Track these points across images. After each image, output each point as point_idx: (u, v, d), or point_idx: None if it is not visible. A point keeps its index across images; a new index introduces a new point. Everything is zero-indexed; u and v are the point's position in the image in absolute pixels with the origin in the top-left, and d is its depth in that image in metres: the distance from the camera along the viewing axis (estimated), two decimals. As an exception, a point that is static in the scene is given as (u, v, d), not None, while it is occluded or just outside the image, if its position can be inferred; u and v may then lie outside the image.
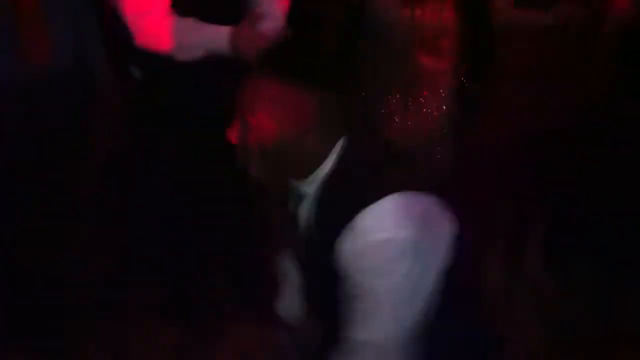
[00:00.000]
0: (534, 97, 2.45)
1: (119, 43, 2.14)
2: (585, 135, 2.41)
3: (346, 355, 1.35)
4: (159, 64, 2.08)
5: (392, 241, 1.23)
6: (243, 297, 2.42)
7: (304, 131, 1.28)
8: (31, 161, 2.08)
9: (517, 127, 2.50)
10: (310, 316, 1.61)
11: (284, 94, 1.27)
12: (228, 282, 2.48)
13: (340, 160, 1.31)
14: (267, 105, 1.27)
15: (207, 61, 2.05)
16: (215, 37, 2.03)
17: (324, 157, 1.32)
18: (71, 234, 2.32)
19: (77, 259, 2.38)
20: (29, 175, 2.10)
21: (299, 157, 1.31)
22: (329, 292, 1.37)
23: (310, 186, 1.35)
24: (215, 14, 2.06)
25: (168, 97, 2.14)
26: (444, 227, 1.31)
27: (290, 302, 1.67)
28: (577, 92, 2.45)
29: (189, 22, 2.04)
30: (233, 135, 1.32)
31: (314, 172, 1.33)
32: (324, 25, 2.37)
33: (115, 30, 2.12)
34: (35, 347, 2.22)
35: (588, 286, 2.40)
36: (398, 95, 2.37)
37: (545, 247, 2.54)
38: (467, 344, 1.41)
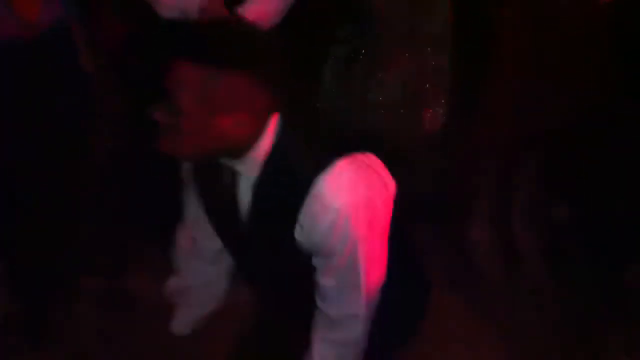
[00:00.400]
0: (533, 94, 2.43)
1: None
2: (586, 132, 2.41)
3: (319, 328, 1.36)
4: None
5: (351, 204, 1.20)
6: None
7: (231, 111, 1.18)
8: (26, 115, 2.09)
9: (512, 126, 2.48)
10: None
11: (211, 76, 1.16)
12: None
13: (278, 138, 1.24)
14: (191, 87, 1.16)
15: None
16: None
17: (257, 136, 1.23)
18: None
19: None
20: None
21: (228, 137, 1.20)
22: (274, 274, 1.37)
23: (246, 166, 1.27)
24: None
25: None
26: (390, 185, 1.31)
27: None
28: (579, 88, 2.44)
29: None
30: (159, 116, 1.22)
31: (248, 152, 1.24)
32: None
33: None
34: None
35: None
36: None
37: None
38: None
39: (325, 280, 1.30)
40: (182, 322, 1.65)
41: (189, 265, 1.58)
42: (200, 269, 1.58)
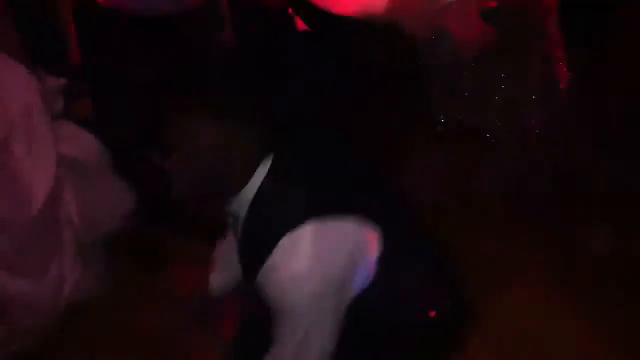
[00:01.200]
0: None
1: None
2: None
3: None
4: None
5: (304, 276, 1.23)
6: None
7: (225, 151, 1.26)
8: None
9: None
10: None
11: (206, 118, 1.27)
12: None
13: (265, 181, 1.29)
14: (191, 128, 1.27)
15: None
16: None
17: (249, 176, 1.30)
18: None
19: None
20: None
21: (224, 176, 1.30)
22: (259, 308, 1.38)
23: (240, 206, 1.34)
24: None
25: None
26: (364, 253, 1.30)
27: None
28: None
29: None
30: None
31: (242, 192, 1.31)
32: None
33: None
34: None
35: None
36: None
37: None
38: None
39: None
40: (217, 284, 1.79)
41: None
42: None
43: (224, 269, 1.77)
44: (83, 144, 2.19)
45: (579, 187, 2.70)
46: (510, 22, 2.40)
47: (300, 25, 2.49)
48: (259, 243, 1.29)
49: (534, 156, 2.63)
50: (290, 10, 2.49)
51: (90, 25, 2.32)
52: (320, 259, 1.24)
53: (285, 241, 1.24)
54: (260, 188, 1.30)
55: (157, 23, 2.29)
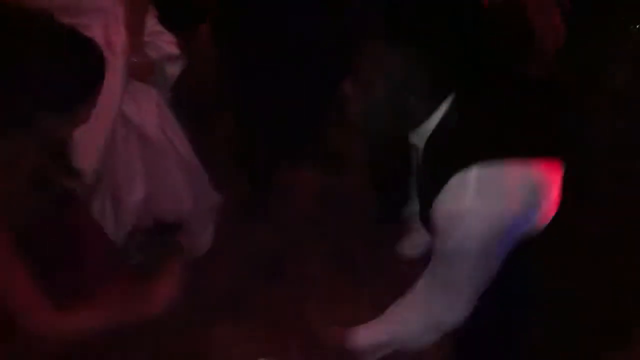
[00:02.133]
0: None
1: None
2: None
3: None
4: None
5: (468, 212, 1.23)
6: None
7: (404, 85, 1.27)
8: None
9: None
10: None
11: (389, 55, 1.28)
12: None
13: (444, 117, 1.30)
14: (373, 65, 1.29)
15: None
16: None
17: (432, 110, 1.30)
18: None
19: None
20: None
21: (405, 109, 1.30)
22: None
23: (418, 138, 1.35)
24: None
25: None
26: (530, 202, 1.27)
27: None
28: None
29: None
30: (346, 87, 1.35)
31: (423, 125, 1.32)
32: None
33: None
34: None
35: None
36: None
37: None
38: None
39: None
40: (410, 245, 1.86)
41: None
42: None
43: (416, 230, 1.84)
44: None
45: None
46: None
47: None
48: (432, 179, 1.31)
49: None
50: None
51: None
52: (485, 201, 1.24)
53: (454, 180, 1.25)
54: (439, 124, 1.31)
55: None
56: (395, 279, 2.02)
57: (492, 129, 1.29)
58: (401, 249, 1.98)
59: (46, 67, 1.21)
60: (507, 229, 1.26)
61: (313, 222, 2.64)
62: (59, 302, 1.32)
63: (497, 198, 1.23)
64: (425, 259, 1.41)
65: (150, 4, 2.01)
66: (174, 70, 2.11)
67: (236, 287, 2.34)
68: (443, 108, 1.31)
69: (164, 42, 2.04)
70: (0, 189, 1.26)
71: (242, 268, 2.44)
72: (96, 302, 1.38)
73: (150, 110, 2.04)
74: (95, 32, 1.75)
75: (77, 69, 1.25)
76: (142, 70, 1.96)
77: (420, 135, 1.35)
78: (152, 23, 1.99)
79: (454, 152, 1.28)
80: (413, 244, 1.93)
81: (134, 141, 2.05)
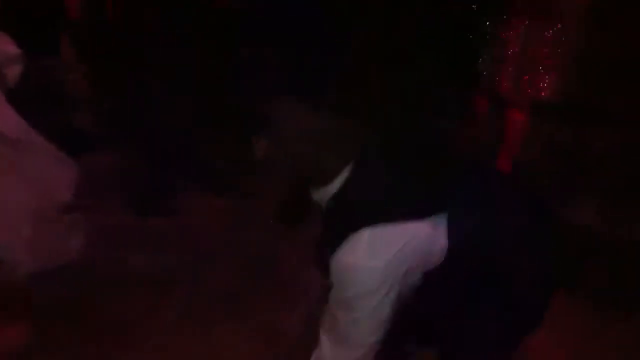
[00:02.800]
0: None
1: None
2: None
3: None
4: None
5: (359, 269, 1.37)
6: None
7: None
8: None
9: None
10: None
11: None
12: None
13: (344, 183, 1.43)
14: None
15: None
16: None
17: (335, 175, 1.43)
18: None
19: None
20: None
21: (313, 170, 1.45)
22: None
23: (320, 196, 1.48)
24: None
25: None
26: (428, 259, 1.42)
27: None
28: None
29: None
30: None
31: (326, 186, 1.45)
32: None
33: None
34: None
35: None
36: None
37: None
38: None
39: None
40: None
41: None
42: None
43: None
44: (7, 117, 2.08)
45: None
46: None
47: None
48: (332, 236, 1.43)
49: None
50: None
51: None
52: (374, 257, 1.38)
53: (350, 239, 1.38)
54: (340, 189, 1.44)
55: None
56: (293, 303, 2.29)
57: (382, 197, 1.43)
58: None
59: None
60: (394, 279, 1.40)
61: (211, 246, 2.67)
62: None
63: (384, 254, 1.38)
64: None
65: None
66: (14, 70, 2.08)
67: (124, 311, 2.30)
68: (344, 175, 1.43)
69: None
70: None
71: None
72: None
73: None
74: None
75: None
76: None
77: (322, 195, 1.48)
78: None
79: (350, 216, 1.41)
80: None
81: None
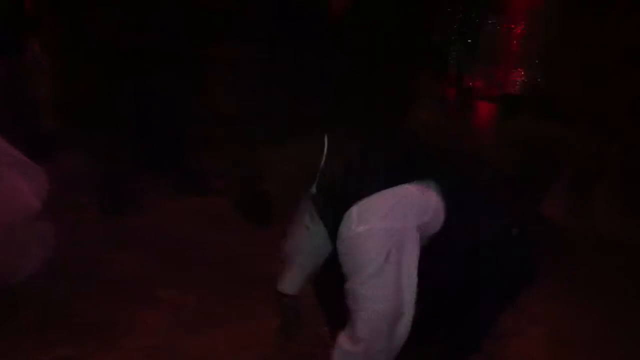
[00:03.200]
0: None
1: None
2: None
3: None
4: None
5: (352, 238, 1.40)
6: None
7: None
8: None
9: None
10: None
11: None
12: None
13: (325, 160, 1.47)
14: None
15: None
16: None
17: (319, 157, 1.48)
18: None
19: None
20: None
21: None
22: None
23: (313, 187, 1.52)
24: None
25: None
26: (426, 210, 1.45)
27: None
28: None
29: None
30: None
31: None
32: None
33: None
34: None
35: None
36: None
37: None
38: None
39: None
40: (290, 282, 1.87)
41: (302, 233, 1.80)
42: (311, 239, 1.78)
43: (296, 267, 1.86)
44: None
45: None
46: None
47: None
48: (330, 217, 1.50)
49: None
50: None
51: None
52: (366, 223, 1.40)
53: (345, 216, 1.43)
54: (322, 168, 1.49)
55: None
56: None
57: (359, 173, 1.48)
58: (281, 287, 1.93)
59: None
60: (393, 241, 1.42)
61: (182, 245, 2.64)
62: None
63: (374, 219, 1.41)
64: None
65: None
66: None
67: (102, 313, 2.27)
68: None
69: None
70: None
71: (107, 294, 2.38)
72: None
73: None
74: None
75: None
76: None
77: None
78: None
79: (337, 201, 1.46)
80: (292, 280, 1.92)
81: None
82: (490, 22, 2.55)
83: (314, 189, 1.55)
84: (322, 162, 1.49)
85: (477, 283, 1.63)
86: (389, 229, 1.41)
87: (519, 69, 2.56)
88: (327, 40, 2.45)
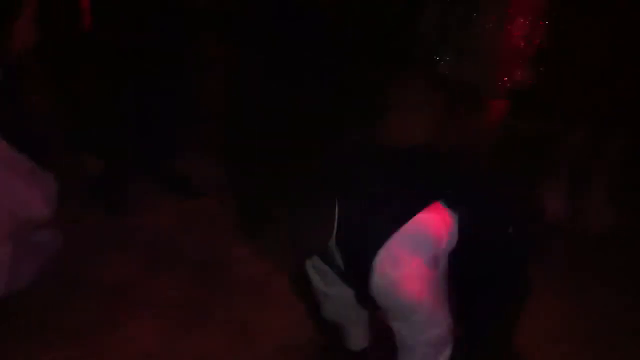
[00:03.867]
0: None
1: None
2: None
3: None
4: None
5: (405, 275, 1.43)
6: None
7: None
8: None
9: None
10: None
11: None
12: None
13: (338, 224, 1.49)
14: None
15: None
16: None
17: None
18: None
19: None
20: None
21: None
22: None
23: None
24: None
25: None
26: (444, 233, 1.50)
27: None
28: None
29: None
30: None
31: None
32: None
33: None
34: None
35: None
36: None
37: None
38: None
39: None
40: (357, 339, 1.98)
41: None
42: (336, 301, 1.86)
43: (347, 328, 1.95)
44: None
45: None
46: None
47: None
48: (359, 264, 1.49)
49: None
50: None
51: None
52: (410, 256, 1.44)
53: (382, 254, 1.44)
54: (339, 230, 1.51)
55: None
56: (260, 298, 2.35)
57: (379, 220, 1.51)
58: (349, 345, 2.00)
59: None
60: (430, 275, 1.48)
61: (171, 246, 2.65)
62: None
63: (410, 260, 1.44)
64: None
65: None
66: None
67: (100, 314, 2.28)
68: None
69: None
70: None
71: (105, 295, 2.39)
72: None
73: None
74: None
75: None
76: None
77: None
78: None
79: (362, 252, 1.48)
80: (357, 337, 1.99)
81: None
82: (486, 21, 2.53)
83: (332, 244, 1.54)
84: (336, 218, 1.50)
85: (476, 283, 1.64)
86: (421, 265, 1.44)
87: (517, 69, 2.55)
88: (327, 40, 2.44)
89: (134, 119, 2.58)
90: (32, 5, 2.13)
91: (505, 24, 2.46)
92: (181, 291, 2.42)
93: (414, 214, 1.47)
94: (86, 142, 2.84)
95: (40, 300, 2.28)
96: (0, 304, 2.14)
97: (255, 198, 2.64)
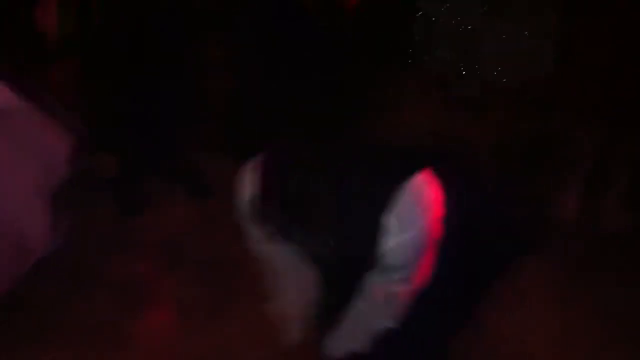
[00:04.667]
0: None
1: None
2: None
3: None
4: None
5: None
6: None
7: None
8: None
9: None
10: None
11: None
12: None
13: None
14: None
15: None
16: None
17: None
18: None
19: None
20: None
21: None
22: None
23: None
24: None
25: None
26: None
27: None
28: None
29: None
30: None
31: None
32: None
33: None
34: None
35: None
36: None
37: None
38: None
39: None
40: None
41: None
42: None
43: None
44: None
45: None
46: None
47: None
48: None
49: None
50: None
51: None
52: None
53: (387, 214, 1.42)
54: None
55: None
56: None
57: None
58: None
59: None
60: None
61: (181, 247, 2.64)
62: None
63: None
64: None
65: None
66: None
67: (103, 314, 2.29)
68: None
69: None
70: None
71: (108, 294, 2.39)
72: None
73: None
74: None
75: None
76: None
77: None
78: None
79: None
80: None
81: None
82: (485, 21, 2.52)
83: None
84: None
85: (476, 282, 1.62)
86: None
87: (517, 69, 2.53)
88: (327, 40, 2.43)
89: (139, 119, 2.59)
90: None
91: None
92: (188, 290, 2.42)
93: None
94: (104, 141, 2.83)
95: (41, 300, 2.29)
96: (1, 304, 2.16)
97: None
